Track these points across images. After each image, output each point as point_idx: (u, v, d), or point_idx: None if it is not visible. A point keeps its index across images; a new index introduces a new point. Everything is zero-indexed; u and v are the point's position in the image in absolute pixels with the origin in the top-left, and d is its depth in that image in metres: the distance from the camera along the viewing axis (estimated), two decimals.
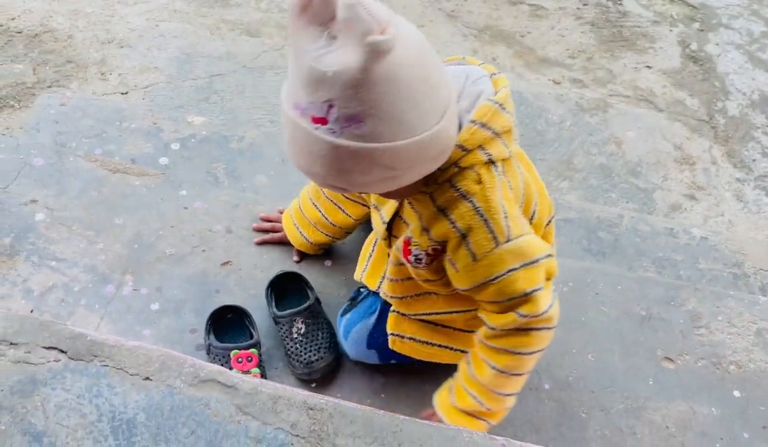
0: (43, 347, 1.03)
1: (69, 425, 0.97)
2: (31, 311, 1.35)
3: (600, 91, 2.55)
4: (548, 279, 1.07)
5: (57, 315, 1.35)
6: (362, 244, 1.33)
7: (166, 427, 0.97)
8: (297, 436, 0.98)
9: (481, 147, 0.97)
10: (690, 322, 1.48)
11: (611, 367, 1.40)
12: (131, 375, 1.01)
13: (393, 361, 1.31)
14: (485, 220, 0.98)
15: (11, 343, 1.03)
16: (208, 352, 1.28)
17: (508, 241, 1.00)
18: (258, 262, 1.48)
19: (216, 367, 1.05)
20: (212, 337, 1.29)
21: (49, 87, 2.39)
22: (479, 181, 0.97)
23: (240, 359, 1.24)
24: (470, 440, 1.00)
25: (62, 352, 1.03)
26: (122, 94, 2.40)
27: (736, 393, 1.39)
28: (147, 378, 1.01)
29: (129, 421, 0.98)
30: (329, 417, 1.00)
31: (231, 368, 1.23)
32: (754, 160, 2.37)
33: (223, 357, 1.25)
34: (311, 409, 1.00)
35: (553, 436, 1.32)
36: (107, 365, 1.02)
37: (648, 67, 2.65)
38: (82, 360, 1.02)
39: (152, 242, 1.49)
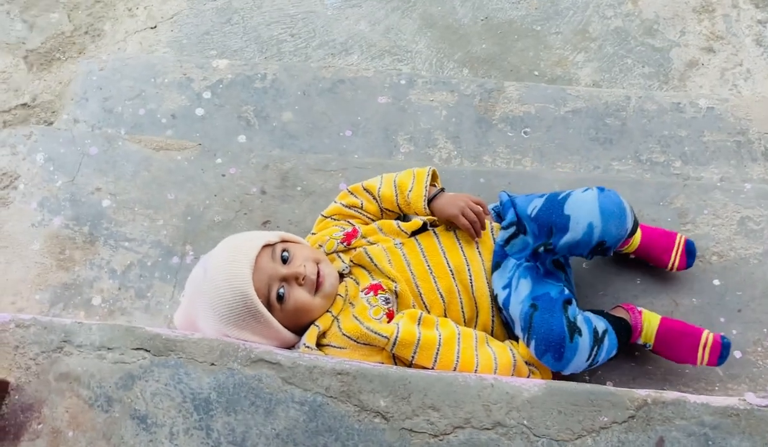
0: (132, 349, 1.34)
1: (163, 407, 1.30)
2: (119, 289, 1.68)
3: None
4: None
5: (139, 289, 1.67)
6: None
7: (233, 401, 1.29)
8: (331, 397, 1.27)
9: None
10: (677, 219, 1.63)
11: (604, 273, 1.60)
12: (200, 363, 1.32)
13: None
14: None
15: (108, 348, 1.35)
16: None
17: None
18: (291, 217, 1.72)
19: (263, 347, 1.34)
20: None
21: (86, 33, 2.57)
22: None
23: None
24: (464, 382, 1.27)
25: (147, 351, 1.34)
26: (151, 28, 2.55)
27: (716, 282, 1.57)
28: (212, 363, 1.32)
29: (205, 399, 1.30)
30: (353, 379, 1.28)
31: None
32: None
33: None
34: (339, 373, 1.29)
35: None
36: (181, 357, 1.33)
37: None
38: (162, 355, 1.33)
39: (202, 212, 1.75)
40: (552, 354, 1.29)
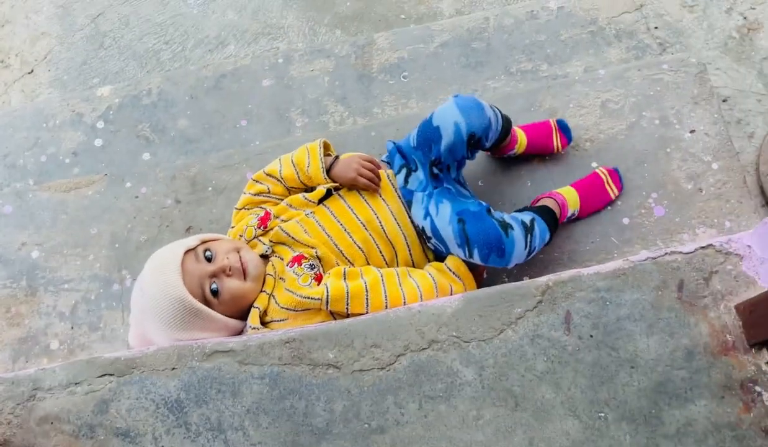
0: (97, 377, 1.46)
1: (141, 418, 1.43)
2: (71, 328, 1.78)
3: None
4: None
5: (91, 323, 1.77)
6: None
7: (201, 394, 1.43)
8: (285, 364, 1.43)
9: None
10: (549, 118, 1.81)
11: (497, 186, 1.78)
12: (162, 371, 1.45)
13: None
14: None
15: (76, 383, 1.46)
16: None
17: None
18: (210, 217, 1.84)
19: (214, 340, 1.48)
20: None
21: None
22: None
23: None
24: (396, 316, 1.44)
25: (111, 375, 1.46)
26: (29, 73, 2.57)
27: (593, 164, 1.77)
28: (173, 368, 1.45)
29: (176, 400, 1.43)
30: (300, 342, 1.44)
31: None
32: None
33: None
34: (287, 342, 1.44)
35: None
36: (144, 371, 1.46)
37: None
38: (126, 375, 1.46)
39: (126, 237, 1.84)
40: (495, 253, 1.48)
